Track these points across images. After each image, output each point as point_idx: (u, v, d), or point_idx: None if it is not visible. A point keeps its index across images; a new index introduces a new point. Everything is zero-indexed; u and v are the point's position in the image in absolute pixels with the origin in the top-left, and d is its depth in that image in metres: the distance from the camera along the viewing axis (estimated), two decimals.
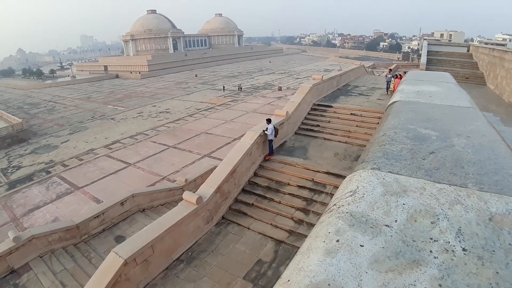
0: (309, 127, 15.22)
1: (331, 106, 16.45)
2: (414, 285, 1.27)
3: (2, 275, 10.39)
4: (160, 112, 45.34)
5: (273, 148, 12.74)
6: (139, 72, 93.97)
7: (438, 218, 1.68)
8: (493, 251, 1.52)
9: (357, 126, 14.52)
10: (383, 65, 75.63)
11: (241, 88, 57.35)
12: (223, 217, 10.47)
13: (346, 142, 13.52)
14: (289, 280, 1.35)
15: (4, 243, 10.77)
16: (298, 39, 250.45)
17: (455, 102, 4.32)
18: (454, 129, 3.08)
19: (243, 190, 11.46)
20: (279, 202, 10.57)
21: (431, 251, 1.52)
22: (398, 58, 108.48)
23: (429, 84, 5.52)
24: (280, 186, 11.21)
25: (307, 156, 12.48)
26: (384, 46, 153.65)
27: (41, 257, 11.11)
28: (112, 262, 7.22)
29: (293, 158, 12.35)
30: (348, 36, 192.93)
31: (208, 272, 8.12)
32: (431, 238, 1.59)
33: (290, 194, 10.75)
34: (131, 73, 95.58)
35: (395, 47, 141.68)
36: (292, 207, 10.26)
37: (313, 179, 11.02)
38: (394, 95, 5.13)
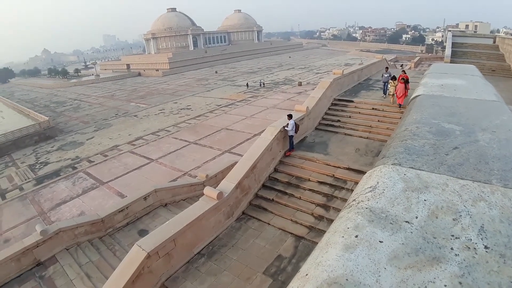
0: (329, 122, 15.01)
1: (352, 101, 16.16)
2: (434, 282, 1.25)
3: (28, 267, 10.70)
4: (181, 109, 45.94)
5: (294, 143, 12.62)
6: (160, 70, 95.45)
7: (461, 215, 1.64)
8: None
9: (378, 121, 14.19)
10: (405, 58, 73.62)
11: (263, 84, 57.09)
12: (243, 212, 10.48)
13: (367, 138, 13.24)
14: (307, 274, 1.35)
15: (31, 236, 11.08)
16: (318, 33, 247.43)
17: (480, 95, 4.15)
18: (478, 124, 2.97)
19: (264, 186, 11.43)
20: (299, 198, 10.48)
21: (452, 248, 1.49)
22: (422, 51, 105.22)
23: (453, 77, 5.33)
24: (301, 181, 11.11)
25: (327, 152, 12.30)
26: (407, 39, 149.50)
27: (67, 249, 11.40)
28: (135, 255, 7.37)
29: (313, 153, 12.21)
30: (369, 29, 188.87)
31: (228, 266, 8.17)
32: (453, 235, 1.56)
33: (310, 190, 10.62)
34: (155, 70, 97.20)
35: (418, 39, 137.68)
36: (312, 203, 10.15)
37: (333, 175, 10.86)
38: (417, 88, 4.98)
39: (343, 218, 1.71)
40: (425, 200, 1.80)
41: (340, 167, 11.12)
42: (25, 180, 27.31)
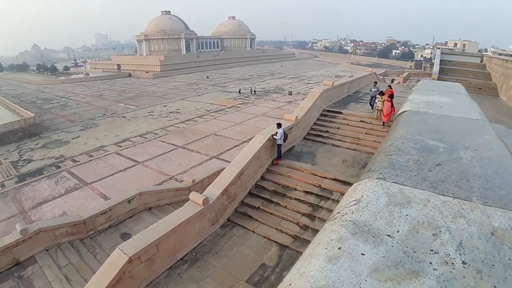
0: (318, 132, 15.16)
1: (341, 113, 16.39)
2: None
3: (7, 266, 10.50)
4: (170, 112, 45.76)
5: (282, 152, 12.70)
6: (150, 72, 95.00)
7: (440, 231, 1.70)
8: (493, 265, 1.53)
9: (366, 133, 14.41)
10: (395, 72, 75.10)
11: (255, 91, 57.37)
12: (228, 219, 10.43)
13: (354, 149, 13.42)
14: (290, 284, 1.37)
15: (11, 235, 10.88)
16: (310, 44, 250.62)
17: (465, 113, 4.30)
18: (462, 142, 3.08)
19: (250, 193, 11.43)
20: (285, 207, 10.51)
21: (431, 263, 1.53)
22: (411, 66, 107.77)
23: (440, 95, 5.49)
24: (287, 190, 11.15)
25: (315, 162, 12.40)
26: (397, 54, 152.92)
27: (47, 250, 11.21)
28: (117, 258, 7.28)
29: (301, 163, 12.28)
30: (361, 43, 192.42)
31: (211, 273, 8.11)
32: (432, 250, 1.60)
33: (296, 199, 10.67)
34: (145, 72, 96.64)
35: (408, 55, 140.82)
36: (298, 212, 10.19)
37: (320, 185, 10.96)
38: (404, 104, 5.12)
39: (327, 230, 1.75)
40: (407, 214, 1.85)
41: (326, 178, 11.23)
42: (7, 177, 26.61)
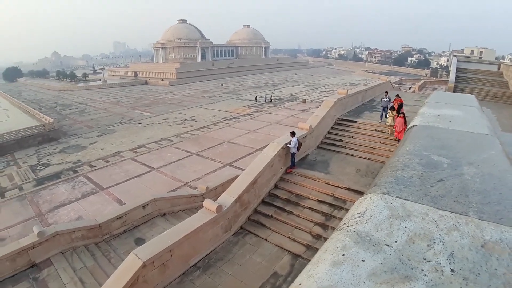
0: (332, 141, 15.17)
1: (355, 121, 16.38)
2: None
3: (23, 268, 10.64)
4: (185, 119, 46.33)
5: (295, 161, 12.75)
6: (166, 80, 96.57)
7: (434, 242, 1.86)
8: (479, 274, 1.69)
9: (380, 142, 14.35)
10: (410, 80, 74.34)
11: (270, 100, 57.43)
12: (241, 227, 10.46)
13: (368, 159, 13.37)
14: (300, 284, 1.59)
15: (28, 237, 11.07)
16: (324, 52, 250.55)
17: (474, 128, 4.38)
18: (467, 157, 3.21)
19: (263, 202, 11.47)
20: (298, 216, 10.51)
21: (422, 270, 1.70)
22: (426, 74, 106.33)
23: (451, 108, 5.57)
24: (300, 199, 11.17)
25: (328, 171, 12.41)
26: (412, 62, 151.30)
27: (63, 253, 11.38)
28: (131, 263, 7.39)
29: (314, 172, 12.30)
30: (375, 51, 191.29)
31: (223, 280, 8.14)
32: (425, 259, 1.77)
33: (309, 208, 10.68)
34: (161, 80, 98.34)
35: (423, 63, 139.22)
36: (311, 221, 10.20)
37: (333, 194, 10.94)
38: (414, 118, 5.21)
39: (334, 238, 1.94)
40: (405, 227, 2.02)
41: (340, 187, 11.21)
42: (26, 180, 27.36)
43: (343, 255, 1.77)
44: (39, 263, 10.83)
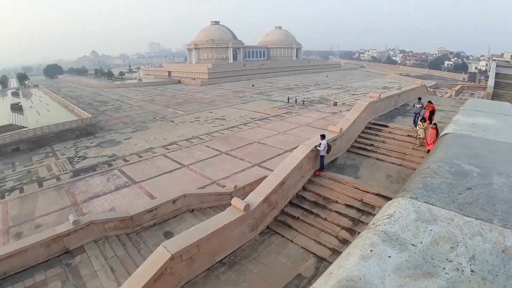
0: (362, 145, 14.96)
1: (387, 126, 16.07)
2: None
3: (57, 254, 11.11)
4: (216, 119, 47.01)
5: (324, 164, 12.69)
6: (198, 79, 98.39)
7: (458, 245, 1.98)
8: (497, 275, 1.80)
9: (413, 149, 13.96)
10: (446, 85, 71.40)
11: (303, 102, 57.02)
12: (268, 227, 10.51)
13: (400, 165, 13.02)
14: (331, 273, 1.76)
15: (64, 225, 11.58)
16: (357, 54, 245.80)
17: (508, 138, 4.31)
18: (497, 167, 3.21)
19: (290, 203, 11.47)
20: (325, 219, 10.45)
21: (444, 268, 1.84)
22: (464, 79, 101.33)
23: (486, 116, 5.46)
24: (328, 202, 11.08)
25: (358, 175, 12.24)
26: (449, 65, 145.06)
27: (95, 241, 11.83)
28: (160, 255, 7.61)
29: (343, 175, 12.18)
30: (410, 53, 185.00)
31: (248, 278, 8.21)
32: (447, 259, 1.90)
33: (337, 212, 10.57)
34: (193, 79, 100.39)
35: (461, 67, 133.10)
36: (338, 225, 10.10)
37: (362, 200, 10.79)
38: (448, 126, 5.15)
39: (363, 237, 2.09)
40: (431, 230, 2.12)
41: (369, 192, 11.03)
42: (63, 171, 28.66)
43: (371, 250, 1.93)
44: (73, 250, 11.34)
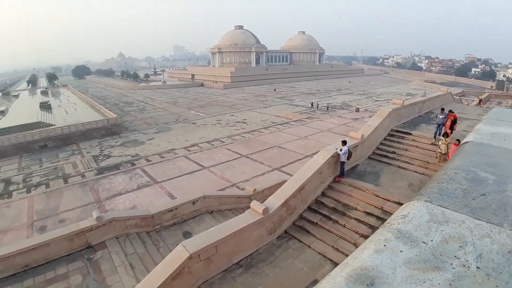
0: (384, 153, 14.78)
1: (410, 134, 15.81)
2: (431, 280, 1.81)
3: (79, 248, 11.37)
4: (237, 122, 47.44)
5: (344, 170, 12.62)
6: (221, 82, 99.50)
7: (466, 244, 2.11)
8: (500, 272, 1.93)
9: (437, 157, 13.74)
10: (473, 93, 69.16)
11: (327, 107, 56.54)
12: (285, 231, 10.50)
13: (423, 174, 12.78)
14: (347, 263, 1.95)
15: (87, 221, 11.84)
16: (381, 60, 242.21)
17: None
18: None
19: (309, 208, 11.44)
20: (344, 226, 10.36)
21: (451, 264, 2.00)
22: (492, 87, 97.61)
23: (508, 126, 5.41)
24: (347, 209, 10.99)
25: (378, 183, 12.09)
26: (476, 73, 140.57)
27: (117, 238, 12.08)
28: (179, 254, 7.73)
29: (363, 182, 12.05)
30: (436, 60, 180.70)
31: (264, 281, 8.23)
32: (455, 256, 2.06)
33: (356, 219, 10.46)
34: (215, 82, 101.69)
35: (489, 74, 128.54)
36: (356, 232, 10.00)
37: (382, 208, 10.63)
38: (469, 134, 5.14)
39: (378, 233, 2.25)
40: (442, 230, 2.25)
41: (390, 200, 10.84)
42: (88, 168, 29.55)
43: (385, 245, 2.11)
44: (95, 245, 11.64)
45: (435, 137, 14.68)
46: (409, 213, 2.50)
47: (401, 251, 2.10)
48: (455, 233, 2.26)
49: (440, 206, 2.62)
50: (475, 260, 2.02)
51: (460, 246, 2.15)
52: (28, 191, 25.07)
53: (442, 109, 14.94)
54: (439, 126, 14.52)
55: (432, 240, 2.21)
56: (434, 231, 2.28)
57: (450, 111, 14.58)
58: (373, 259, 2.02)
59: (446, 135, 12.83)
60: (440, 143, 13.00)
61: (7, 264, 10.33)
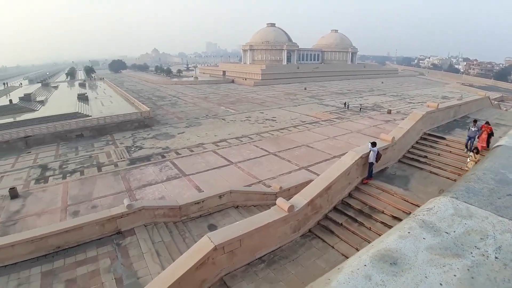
0: (415, 157, 14.49)
1: (443, 138, 15.39)
2: (451, 265, 1.94)
3: (109, 233, 11.90)
4: (266, 119, 47.62)
5: (373, 172, 12.53)
6: (251, 80, 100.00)
7: (487, 237, 2.23)
8: None
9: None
10: None
11: (360, 108, 55.58)
12: (310, 230, 10.54)
13: (455, 180, 12.27)
14: (372, 245, 2.11)
15: (118, 208, 12.35)
16: (416, 61, 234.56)
17: None
18: None
19: (335, 208, 11.42)
20: (369, 229, 10.27)
21: (471, 253, 2.14)
22: None
23: None
24: (373, 212, 10.90)
25: (408, 187, 11.88)
26: None
27: (145, 226, 12.53)
28: (204, 245, 7.92)
29: (392, 186, 11.91)
30: (475, 62, 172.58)
31: (285, 278, 8.30)
32: (475, 246, 2.19)
33: (382, 222, 10.31)
34: (245, 79, 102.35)
35: None
36: None
37: (410, 213, 10.43)
38: (502, 138, 5.06)
39: (403, 222, 2.41)
40: (465, 223, 2.36)
41: (419, 206, 10.54)
42: (121, 158, 30.76)
43: (409, 232, 2.29)
44: (124, 231, 12.13)
45: (466, 148, 13.96)
46: (434, 206, 2.64)
47: (424, 238, 2.24)
48: (478, 227, 2.36)
49: (465, 202, 2.72)
50: (494, 252, 2.12)
51: (481, 238, 2.25)
52: (64, 177, 26.45)
53: (475, 121, 13.94)
54: (471, 139, 13.66)
55: (454, 231, 2.33)
56: (457, 224, 2.40)
57: (487, 122, 13.53)
58: (397, 243, 2.16)
59: (476, 150, 11.89)
60: (468, 160, 12.15)
61: (40, 245, 10.92)
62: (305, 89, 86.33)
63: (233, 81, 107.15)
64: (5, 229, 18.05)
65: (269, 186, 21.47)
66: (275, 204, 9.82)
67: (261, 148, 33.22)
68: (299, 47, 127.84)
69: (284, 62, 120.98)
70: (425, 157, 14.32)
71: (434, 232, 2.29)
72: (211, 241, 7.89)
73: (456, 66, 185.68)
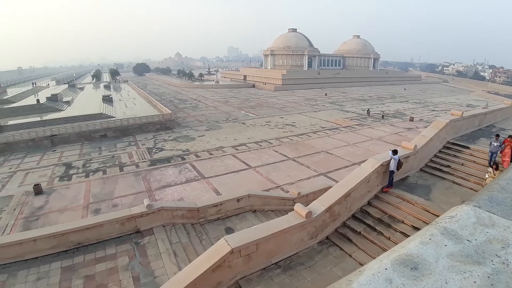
0: (437, 166, 14.14)
1: (467, 147, 14.94)
2: (471, 272, 1.98)
3: (129, 232, 12.05)
4: (286, 124, 47.60)
5: (393, 181, 12.28)
6: (272, 84, 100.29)
7: (509, 246, 2.27)
8: None
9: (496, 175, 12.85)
10: None
11: (382, 116, 54.85)
12: (327, 237, 10.35)
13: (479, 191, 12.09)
14: (393, 250, 2.16)
15: (138, 207, 12.48)
16: (440, 68, 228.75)
17: None
18: None
19: (353, 216, 11.22)
20: (388, 238, 10.00)
21: (492, 261, 2.18)
22: None
23: None
24: (393, 221, 10.63)
25: (429, 197, 11.58)
26: None
27: (164, 226, 12.62)
28: (221, 247, 7.91)
29: (413, 195, 11.60)
30: (501, 69, 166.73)
31: (300, 284, 8.19)
32: (496, 255, 2.23)
33: (402, 232, 10.03)
34: (265, 84, 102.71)
35: None
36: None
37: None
38: None
39: (424, 229, 2.45)
40: (487, 232, 2.38)
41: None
42: (142, 159, 31.48)
43: (430, 239, 2.34)
44: (143, 230, 12.28)
45: (489, 164, 12.88)
46: (456, 214, 2.67)
47: (445, 245, 2.28)
48: (500, 236, 2.39)
49: (488, 211, 2.74)
50: None
51: (502, 247, 2.28)
52: (87, 176, 27.32)
53: (497, 136, 13.16)
54: (493, 154, 12.96)
55: (476, 240, 2.36)
56: (479, 232, 2.42)
57: (510, 136, 12.59)
58: (418, 248, 2.22)
59: (496, 166, 11.22)
60: (487, 175, 11.50)
61: (61, 241, 11.22)
62: (326, 95, 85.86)
63: (253, 86, 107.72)
64: (27, 224, 18.78)
65: (287, 192, 21.48)
66: (292, 209, 9.75)
67: (280, 153, 33.22)
68: (320, 53, 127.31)
69: (305, 68, 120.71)
70: (448, 166, 13.96)
71: (455, 240, 2.33)
72: (228, 244, 7.90)
73: (482, 74, 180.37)
